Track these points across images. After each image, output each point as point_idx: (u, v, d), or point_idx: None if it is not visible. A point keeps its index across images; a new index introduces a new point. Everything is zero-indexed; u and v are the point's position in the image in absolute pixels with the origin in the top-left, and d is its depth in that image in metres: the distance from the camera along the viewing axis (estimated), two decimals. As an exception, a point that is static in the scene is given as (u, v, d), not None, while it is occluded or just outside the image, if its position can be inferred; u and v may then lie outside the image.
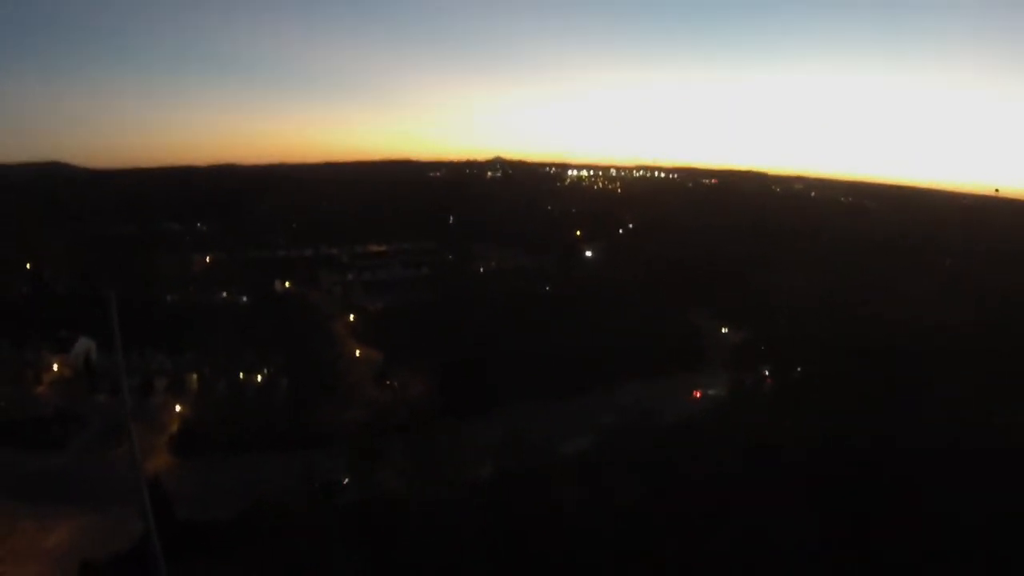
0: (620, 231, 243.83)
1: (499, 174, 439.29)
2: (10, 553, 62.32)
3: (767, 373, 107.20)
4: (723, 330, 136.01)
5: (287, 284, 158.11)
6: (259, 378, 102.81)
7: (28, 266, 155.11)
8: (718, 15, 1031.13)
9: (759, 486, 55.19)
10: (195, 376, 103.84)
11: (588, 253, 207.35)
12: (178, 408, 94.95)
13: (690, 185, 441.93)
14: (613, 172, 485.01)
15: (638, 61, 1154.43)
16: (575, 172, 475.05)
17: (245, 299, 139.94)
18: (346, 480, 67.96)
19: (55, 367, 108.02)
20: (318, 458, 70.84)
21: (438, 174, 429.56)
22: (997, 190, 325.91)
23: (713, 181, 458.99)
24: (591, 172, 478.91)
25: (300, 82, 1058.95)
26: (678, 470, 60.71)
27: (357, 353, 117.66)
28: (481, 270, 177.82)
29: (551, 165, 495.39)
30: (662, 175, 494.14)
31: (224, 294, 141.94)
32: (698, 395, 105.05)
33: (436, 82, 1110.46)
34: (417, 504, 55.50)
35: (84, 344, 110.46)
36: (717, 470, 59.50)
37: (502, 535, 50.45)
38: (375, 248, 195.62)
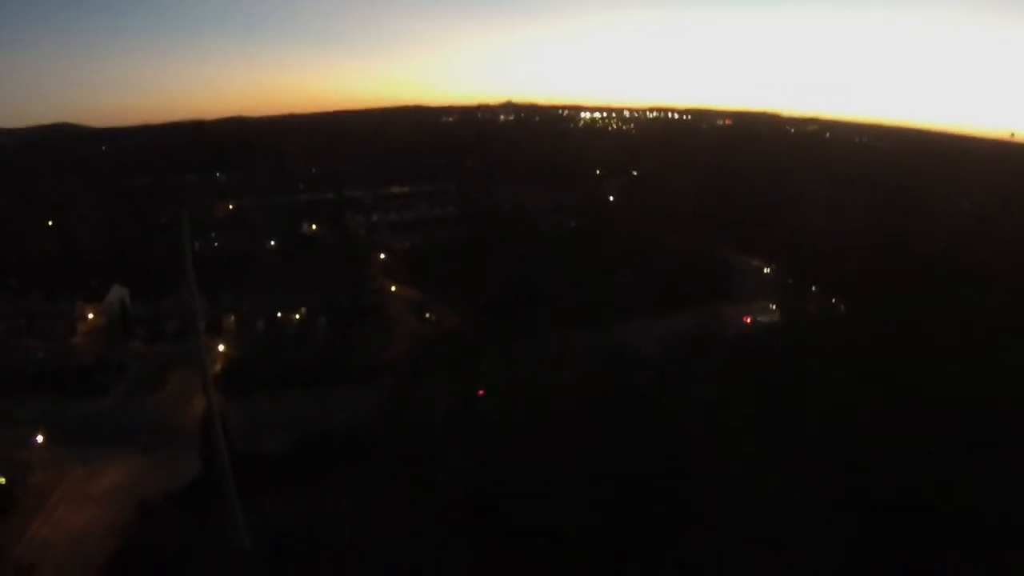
0: (636, 172, 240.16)
1: (512, 118, 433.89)
2: (64, 497, 62.09)
3: (807, 301, 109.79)
4: (765, 270, 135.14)
5: (313, 227, 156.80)
6: (296, 317, 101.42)
7: (50, 223, 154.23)
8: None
9: (825, 395, 58.50)
10: (232, 318, 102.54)
11: (608, 194, 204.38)
12: (220, 348, 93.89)
13: (704, 126, 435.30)
14: (626, 114, 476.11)
15: (648, 1, 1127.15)
16: (588, 115, 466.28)
17: (273, 243, 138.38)
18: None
19: (89, 316, 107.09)
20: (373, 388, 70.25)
21: (451, 119, 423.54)
22: (1013, 134, 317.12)
23: (727, 122, 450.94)
24: (604, 114, 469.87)
25: (303, 31, 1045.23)
26: (749, 378, 61.85)
27: (392, 290, 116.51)
28: (505, 209, 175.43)
29: (564, 108, 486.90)
30: (675, 116, 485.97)
31: (252, 238, 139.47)
32: (748, 320, 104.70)
33: (443, 27, 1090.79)
34: (515, 408, 56.32)
35: (117, 292, 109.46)
36: (783, 380, 61.85)
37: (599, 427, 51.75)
38: (397, 190, 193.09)
